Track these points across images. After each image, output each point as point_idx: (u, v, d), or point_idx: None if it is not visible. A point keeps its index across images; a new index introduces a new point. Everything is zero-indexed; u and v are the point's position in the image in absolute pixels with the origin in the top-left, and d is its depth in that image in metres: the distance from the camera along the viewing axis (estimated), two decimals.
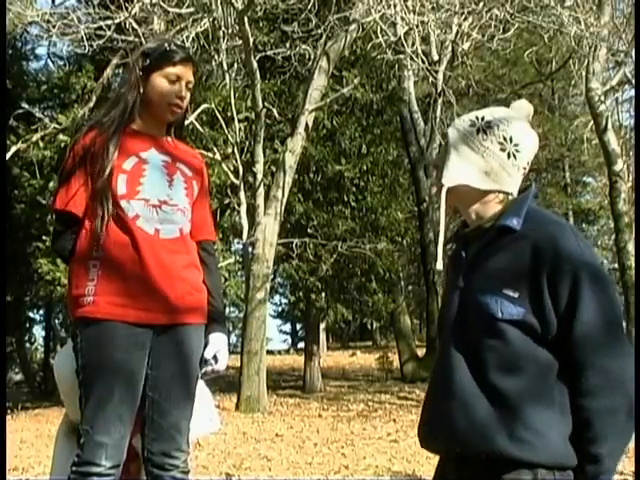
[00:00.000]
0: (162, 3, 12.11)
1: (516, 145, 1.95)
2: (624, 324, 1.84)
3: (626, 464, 5.18)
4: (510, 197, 1.97)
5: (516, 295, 1.81)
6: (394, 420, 10.78)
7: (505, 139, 1.94)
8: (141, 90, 2.67)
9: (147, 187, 2.63)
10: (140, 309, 2.55)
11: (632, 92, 17.60)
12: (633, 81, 14.06)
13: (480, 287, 1.88)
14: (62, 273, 13.55)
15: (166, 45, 2.68)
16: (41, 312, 24.11)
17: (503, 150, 1.94)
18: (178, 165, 2.74)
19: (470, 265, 1.95)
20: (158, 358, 2.60)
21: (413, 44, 13.14)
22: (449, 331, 1.94)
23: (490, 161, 1.94)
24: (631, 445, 1.88)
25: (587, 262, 1.81)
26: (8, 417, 12.77)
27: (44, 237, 14.49)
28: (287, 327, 41.72)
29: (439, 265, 2.03)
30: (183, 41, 11.05)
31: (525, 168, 1.98)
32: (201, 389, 2.79)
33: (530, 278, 1.81)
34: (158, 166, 2.68)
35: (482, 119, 1.97)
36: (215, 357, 2.72)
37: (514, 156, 1.95)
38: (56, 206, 2.64)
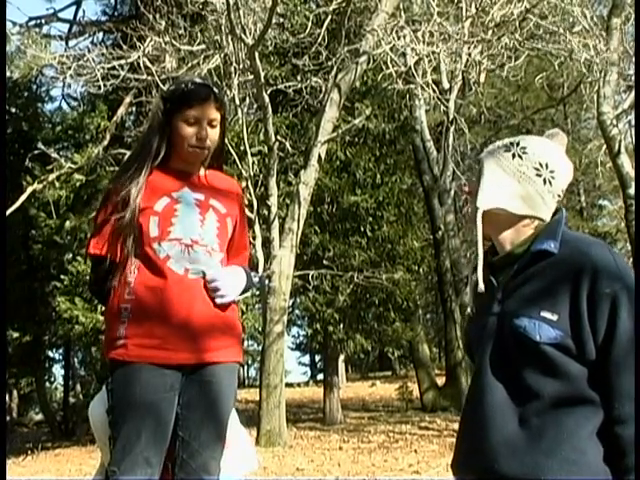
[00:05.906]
0: (174, 41, 12.28)
1: (552, 172, 1.95)
2: None
3: None
4: (542, 223, 1.98)
5: (555, 318, 1.80)
6: (415, 451, 10.67)
7: (541, 165, 1.95)
8: (166, 133, 2.70)
9: (179, 227, 2.66)
10: (169, 350, 2.57)
11: None
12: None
13: (516, 311, 1.86)
14: (80, 311, 13.60)
15: (183, 87, 2.71)
16: (60, 351, 24.14)
17: (539, 176, 1.94)
18: (211, 202, 2.75)
19: (504, 290, 1.94)
20: (188, 398, 2.61)
21: (424, 74, 13.20)
22: (485, 358, 1.92)
23: (526, 186, 1.94)
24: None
25: (627, 285, 1.80)
26: (29, 458, 12.75)
27: (62, 276, 14.58)
28: (306, 359, 41.67)
29: (481, 286, 1.98)
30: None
31: (560, 195, 1.98)
32: (236, 429, 2.78)
33: (570, 301, 1.80)
34: (190, 205, 2.71)
35: (517, 144, 1.98)
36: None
37: (550, 182, 1.95)
38: (90, 251, 2.70)
